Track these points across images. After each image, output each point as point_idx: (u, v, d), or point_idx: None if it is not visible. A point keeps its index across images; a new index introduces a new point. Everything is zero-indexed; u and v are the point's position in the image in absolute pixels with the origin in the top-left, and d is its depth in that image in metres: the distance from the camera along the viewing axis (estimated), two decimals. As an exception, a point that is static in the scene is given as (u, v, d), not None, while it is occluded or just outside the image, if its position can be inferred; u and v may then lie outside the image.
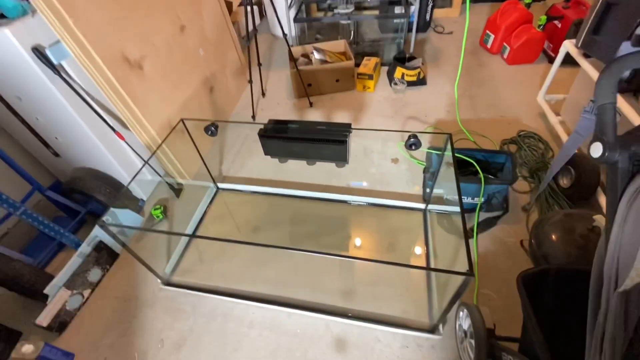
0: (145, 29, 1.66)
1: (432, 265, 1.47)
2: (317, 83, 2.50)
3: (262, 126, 1.48)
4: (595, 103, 0.71)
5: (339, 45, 2.72)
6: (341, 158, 1.48)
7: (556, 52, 2.54)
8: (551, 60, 2.61)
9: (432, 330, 1.28)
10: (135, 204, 1.87)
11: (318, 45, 2.69)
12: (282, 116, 2.44)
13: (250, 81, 2.25)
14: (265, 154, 1.55)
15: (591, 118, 1.17)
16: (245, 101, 2.62)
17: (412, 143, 1.36)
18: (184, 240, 1.70)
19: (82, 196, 1.68)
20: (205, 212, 1.84)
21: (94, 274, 1.57)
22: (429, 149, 1.81)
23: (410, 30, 2.75)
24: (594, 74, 1.61)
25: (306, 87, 2.42)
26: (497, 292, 1.40)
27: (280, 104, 2.57)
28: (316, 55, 2.55)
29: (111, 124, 1.58)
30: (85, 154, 1.71)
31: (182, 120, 1.57)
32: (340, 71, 2.47)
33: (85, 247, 1.55)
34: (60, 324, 1.42)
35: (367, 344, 1.29)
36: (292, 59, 2.37)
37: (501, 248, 1.54)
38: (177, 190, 1.95)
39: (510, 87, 2.47)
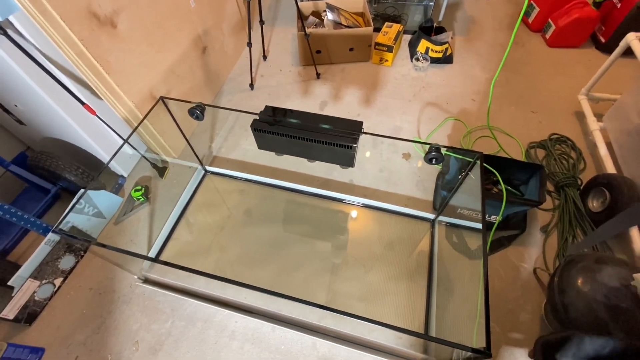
0: (118, -26, 1.33)
1: (435, 289, 1.34)
2: (328, 50, 2.17)
3: (256, 116, 1.25)
4: None
5: (358, 3, 2.32)
6: (347, 163, 1.27)
7: (607, 37, 2.18)
8: (600, 47, 2.26)
9: (426, 364, 1.19)
10: (114, 182, 1.69)
11: (332, 1, 2.30)
12: (284, 87, 2.15)
13: (250, 44, 1.93)
14: (259, 148, 1.34)
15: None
16: (243, 63, 2.31)
17: (433, 157, 1.15)
18: (166, 229, 1.55)
19: (50, 174, 1.49)
20: (191, 198, 1.67)
21: (67, 261, 1.45)
22: (447, 150, 1.58)
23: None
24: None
25: (314, 54, 2.10)
26: (501, 325, 1.29)
27: (283, 71, 2.26)
28: (329, 16, 2.18)
29: (79, 94, 1.34)
30: (52, 125, 1.48)
31: (161, 98, 1.32)
32: (356, 38, 2.12)
33: (55, 235, 1.40)
34: (28, 315, 1.32)
35: (355, 370, 1.21)
36: (301, 18, 2.01)
37: (512, 274, 1.41)
38: (161, 169, 1.75)
39: (547, 75, 2.15)
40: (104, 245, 1.02)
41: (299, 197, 1.66)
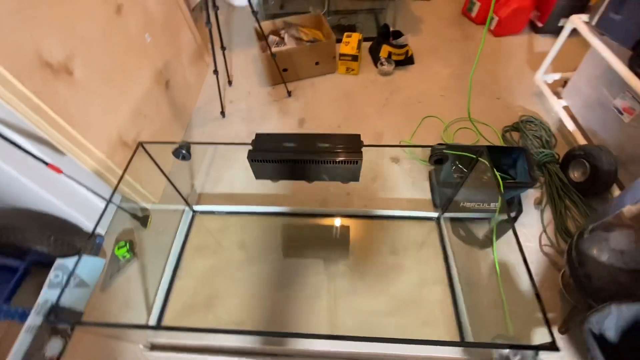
0: (67, 17, 1.19)
1: (460, 288, 1.34)
2: (294, 67, 2.14)
3: (247, 144, 1.17)
4: None
5: (313, 18, 2.33)
6: (353, 178, 1.24)
7: (544, 21, 2.40)
8: (538, 31, 2.47)
9: (469, 364, 1.18)
10: (90, 243, 1.50)
11: (289, 19, 2.29)
12: (257, 110, 2.09)
13: (216, 71, 1.85)
14: (257, 178, 1.26)
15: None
16: (207, 92, 2.20)
17: (439, 158, 1.15)
18: (163, 284, 1.40)
19: (16, 250, 1.29)
20: (184, 243, 1.53)
21: (54, 347, 1.24)
22: (449, 150, 1.62)
23: (392, -3, 2.41)
24: (608, 56, 1.47)
25: (281, 72, 2.06)
26: (523, 307, 1.32)
27: (252, 93, 2.19)
28: (291, 33, 2.16)
29: (39, 155, 1.17)
30: (10, 193, 1.28)
31: (140, 144, 1.20)
32: (321, 52, 2.12)
33: (35, 318, 1.20)
34: (17, 422, 1.11)
35: (401, 389, 1.16)
36: (265, 39, 1.96)
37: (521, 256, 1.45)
38: (142, 218, 1.59)
39: (501, 63, 2.30)
40: (104, 325, 0.88)
41: (298, 220, 1.60)
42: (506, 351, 1.12)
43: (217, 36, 1.93)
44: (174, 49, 1.91)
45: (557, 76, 1.98)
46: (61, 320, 1.16)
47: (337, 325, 1.30)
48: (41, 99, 1.09)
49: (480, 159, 1.30)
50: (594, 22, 1.53)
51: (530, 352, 1.03)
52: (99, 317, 1.36)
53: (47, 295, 1.25)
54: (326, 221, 1.59)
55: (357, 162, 1.15)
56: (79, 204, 1.42)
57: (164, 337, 1.27)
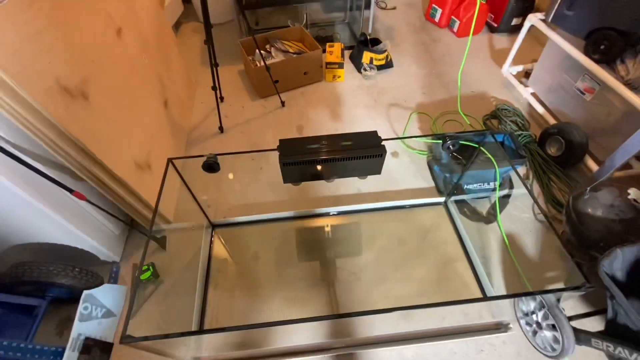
0: (76, 41, 1.19)
1: (479, 261, 1.47)
2: (285, 78, 2.22)
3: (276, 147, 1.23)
4: None
5: (294, 31, 2.44)
6: (375, 171, 1.33)
7: (498, 22, 2.70)
8: (494, 30, 2.77)
9: (500, 327, 1.30)
10: (107, 272, 1.45)
11: (271, 34, 2.37)
12: (255, 122, 2.13)
13: (214, 87, 1.88)
14: (285, 181, 1.31)
15: None
16: (200, 109, 2.21)
17: (450, 144, 1.28)
18: (198, 297, 1.38)
19: (35, 287, 1.21)
20: (209, 260, 1.52)
21: (91, 382, 1.18)
22: (432, 138, 1.77)
23: (368, 7, 2.58)
24: (566, 46, 1.71)
25: (275, 84, 2.13)
26: (533, 272, 1.48)
27: (246, 107, 2.23)
28: (277, 46, 2.25)
29: (64, 182, 1.14)
30: (34, 227, 1.21)
31: (170, 161, 1.21)
32: (309, 62, 2.23)
33: (71, 355, 1.14)
34: None
35: (446, 359, 1.25)
36: (260, 52, 2.01)
37: (521, 226, 1.62)
38: (160, 240, 1.56)
39: (468, 60, 2.55)
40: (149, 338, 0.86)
41: (318, 220, 1.66)
42: (531, 306, 1.26)
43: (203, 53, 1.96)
44: (167, 68, 1.92)
45: (520, 68, 2.25)
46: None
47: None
48: (64, 125, 1.07)
49: (482, 148, 1.46)
50: (549, 19, 1.78)
51: (553, 302, 1.18)
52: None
53: (80, 329, 1.19)
54: (344, 218, 1.66)
55: (381, 156, 1.24)
56: (97, 232, 1.38)
57: (208, 351, 1.26)
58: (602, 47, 1.59)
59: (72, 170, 1.18)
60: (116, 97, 1.36)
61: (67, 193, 1.14)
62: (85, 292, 1.25)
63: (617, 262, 1.08)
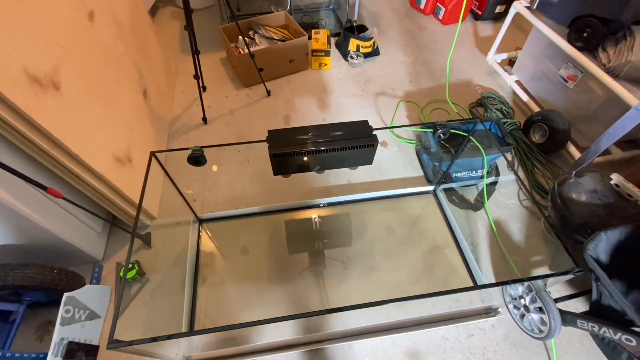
0: (45, 25, 1.09)
1: (468, 248, 1.49)
2: (270, 66, 2.15)
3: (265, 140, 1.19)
4: None
5: (278, 17, 2.36)
6: (367, 161, 1.31)
7: (482, 10, 2.70)
8: (478, 18, 2.78)
9: (490, 312, 1.33)
10: (89, 272, 1.38)
11: (255, 20, 2.29)
12: (239, 112, 2.06)
13: (197, 76, 1.79)
14: (275, 174, 1.27)
15: None
16: (181, 99, 2.12)
17: (441, 132, 1.28)
18: (187, 299, 1.34)
19: (10, 291, 1.14)
20: (197, 256, 1.48)
21: (77, 386, 1.14)
22: (421, 127, 1.77)
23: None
24: (550, 33, 1.73)
25: (259, 72, 2.06)
26: (520, 255, 1.52)
27: (230, 97, 2.16)
28: (262, 33, 2.17)
29: (37, 179, 1.06)
30: (9, 228, 1.13)
31: (152, 154, 1.14)
32: (295, 49, 2.16)
33: (54, 360, 1.08)
34: None
35: (438, 345, 1.28)
36: (244, 39, 1.92)
37: (507, 212, 1.66)
38: (145, 237, 1.50)
39: (454, 48, 2.55)
40: (130, 343, 0.83)
41: (307, 212, 1.63)
42: (519, 290, 1.29)
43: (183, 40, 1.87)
44: (145, 56, 1.81)
45: (504, 56, 2.27)
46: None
47: (370, 300, 1.37)
48: (35, 117, 0.99)
49: (471, 137, 1.46)
50: (534, 6, 1.79)
51: (541, 285, 1.21)
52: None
53: (62, 333, 1.13)
54: (334, 209, 1.65)
55: (372, 145, 1.22)
56: (76, 230, 1.31)
57: (198, 350, 1.23)
58: (584, 34, 1.61)
59: (46, 166, 1.11)
60: (91, 87, 1.28)
61: (38, 190, 1.06)
62: (66, 294, 1.19)
63: (601, 245, 1.11)
